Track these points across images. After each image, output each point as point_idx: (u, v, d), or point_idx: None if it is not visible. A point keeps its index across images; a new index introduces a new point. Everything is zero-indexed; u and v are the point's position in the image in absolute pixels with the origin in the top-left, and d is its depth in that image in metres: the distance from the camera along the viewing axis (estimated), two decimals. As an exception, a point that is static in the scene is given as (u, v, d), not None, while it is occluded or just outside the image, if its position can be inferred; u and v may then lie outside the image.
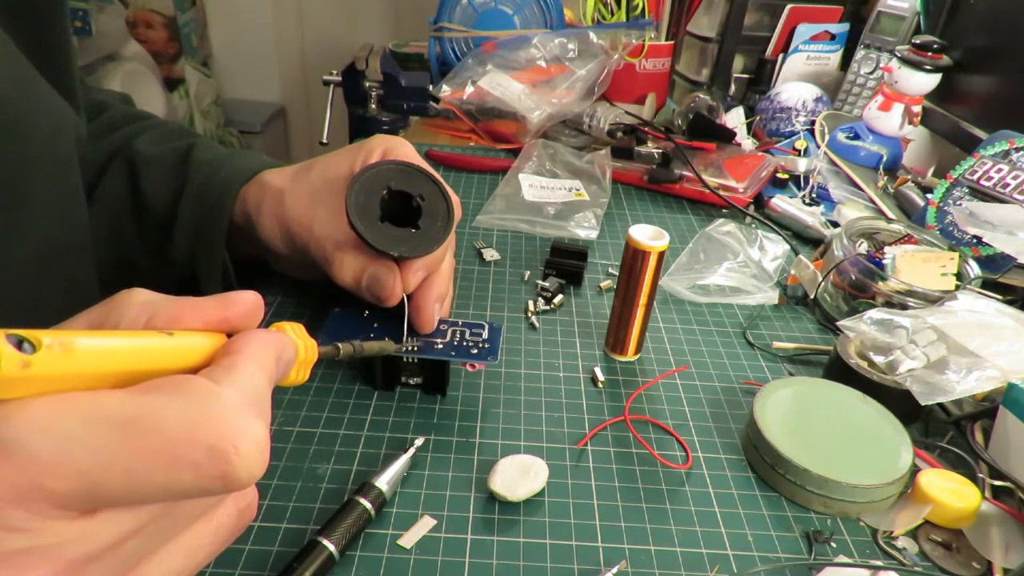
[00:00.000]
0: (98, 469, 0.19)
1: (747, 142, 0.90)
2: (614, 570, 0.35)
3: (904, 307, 0.52)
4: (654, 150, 0.80)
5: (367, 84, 1.17)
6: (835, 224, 0.70)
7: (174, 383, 0.21)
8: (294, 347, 0.28)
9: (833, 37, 1.02)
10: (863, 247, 0.60)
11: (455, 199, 0.47)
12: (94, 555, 0.20)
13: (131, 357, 0.22)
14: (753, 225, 0.70)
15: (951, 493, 0.39)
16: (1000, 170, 0.65)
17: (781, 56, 1.02)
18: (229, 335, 0.26)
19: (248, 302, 0.26)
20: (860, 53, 0.97)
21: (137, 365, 0.22)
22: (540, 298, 0.57)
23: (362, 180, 0.41)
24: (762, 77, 1.02)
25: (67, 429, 0.19)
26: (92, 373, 0.20)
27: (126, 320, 0.24)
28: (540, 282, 0.58)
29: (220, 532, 0.25)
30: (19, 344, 0.18)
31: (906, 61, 0.80)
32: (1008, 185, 0.64)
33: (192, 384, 0.22)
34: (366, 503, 0.36)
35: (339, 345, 0.34)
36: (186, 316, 0.25)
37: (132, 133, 0.53)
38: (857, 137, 0.86)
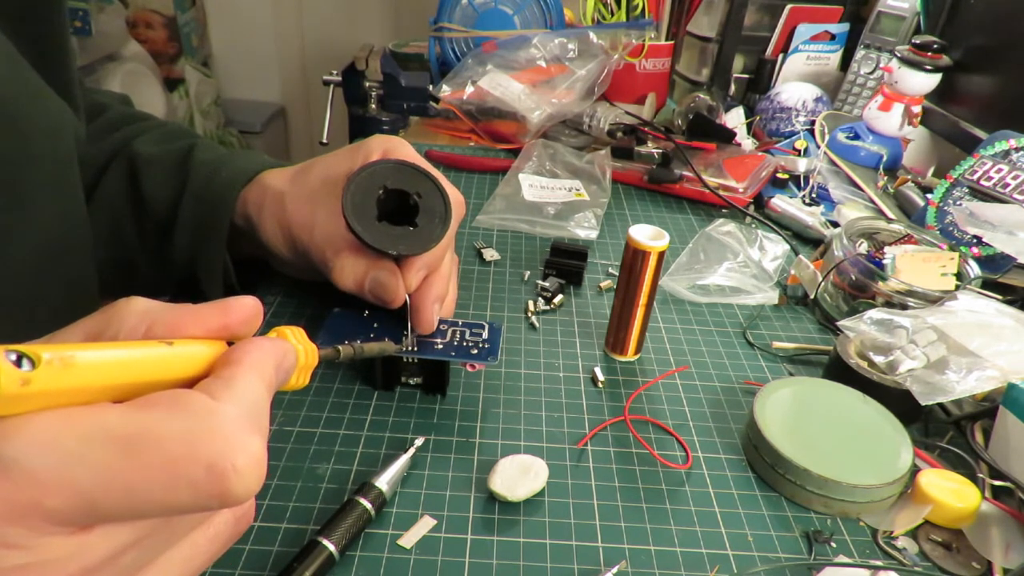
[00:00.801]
0: (97, 487, 0.19)
1: (747, 142, 0.90)
2: (614, 570, 0.35)
3: (904, 307, 0.52)
4: (654, 150, 0.80)
5: (367, 84, 1.17)
6: (835, 224, 0.70)
7: (173, 398, 0.21)
8: (295, 353, 0.28)
9: (833, 37, 1.02)
10: (863, 247, 0.60)
11: (459, 197, 0.46)
12: (92, 569, 0.20)
13: (131, 370, 0.22)
14: (753, 225, 0.70)
15: (951, 493, 0.39)
16: (1000, 170, 0.65)
17: (781, 56, 1.02)
18: (230, 342, 0.26)
19: (248, 307, 0.26)
20: (860, 53, 0.97)
21: (138, 377, 0.22)
22: (540, 298, 0.57)
23: (358, 180, 0.41)
24: (762, 77, 1.02)
25: (66, 446, 0.19)
26: (92, 387, 0.20)
27: (125, 330, 0.24)
28: (540, 282, 0.58)
29: (217, 540, 0.25)
30: (18, 361, 0.18)
31: (906, 61, 0.80)
32: (1008, 185, 0.64)
33: (191, 399, 0.21)
34: (366, 503, 0.36)
35: (339, 347, 0.34)
36: (186, 324, 0.24)
37: (132, 134, 0.53)
38: (857, 137, 0.86)
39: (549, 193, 0.73)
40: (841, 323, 0.50)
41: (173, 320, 0.24)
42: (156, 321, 0.24)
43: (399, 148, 0.46)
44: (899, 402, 0.44)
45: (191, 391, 0.22)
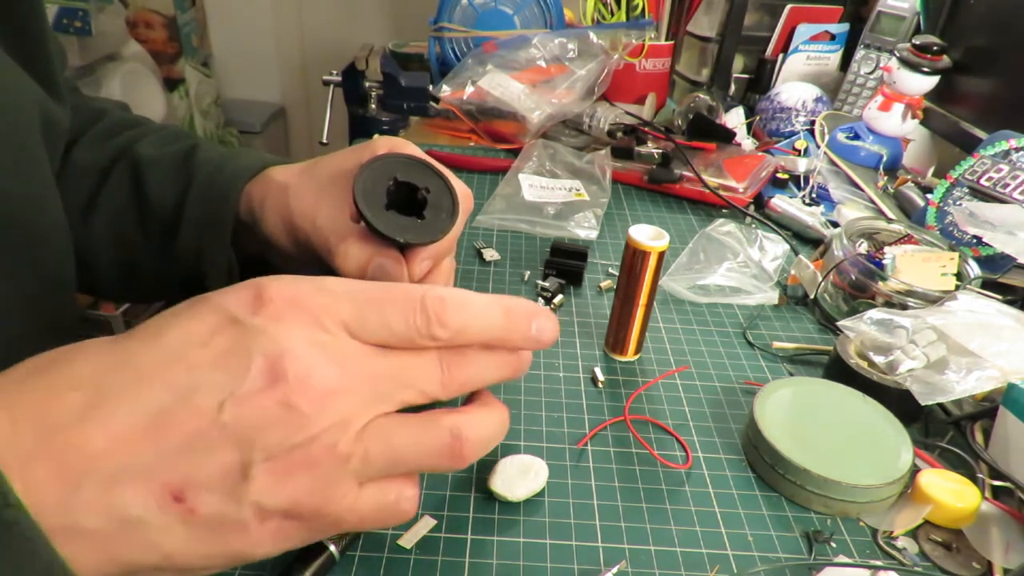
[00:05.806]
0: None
1: (747, 142, 0.90)
2: (614, 570, 0.35)
3: (904, 307, 0.52)
4: (654, 150, 0.80)
5: (367, 84, 1.17)
6: (835, 224, 0.70)
7: None
8: None
9: (833, 37, 1.02)
10: (863, 247, 0.60)
11: (466, 191, 0.46)
12: None
13: None
14: (753, 225, 0.70)
15: (951, 493, 0.39)
16: (1000, 170, 0.65)
17: (781, 56, 1.02)
18: None
19: None
20: (860, 53, 0.97)
21: None
22: (540, 298, 0.57)
23: (370, 168, 0.42)
24: (762, 77, 1.02)
25: None
26: None
27: None
28: (540, 282, 0.58)
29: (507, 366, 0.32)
30: None
31: (905, 62, 0.80)
32: (1008, 185, 0.64)
33: None
34: (366, 503, 0.36)
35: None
36: None
37: (133, 138, 0.53)
38: (857, 137, 0.86)
39: (549, 193, 0.73)
40: (841, 323, 0.50)
41: None
42: None
43: (404, 149, 0.46)
44: (899, 402, 0.44)
45: None
